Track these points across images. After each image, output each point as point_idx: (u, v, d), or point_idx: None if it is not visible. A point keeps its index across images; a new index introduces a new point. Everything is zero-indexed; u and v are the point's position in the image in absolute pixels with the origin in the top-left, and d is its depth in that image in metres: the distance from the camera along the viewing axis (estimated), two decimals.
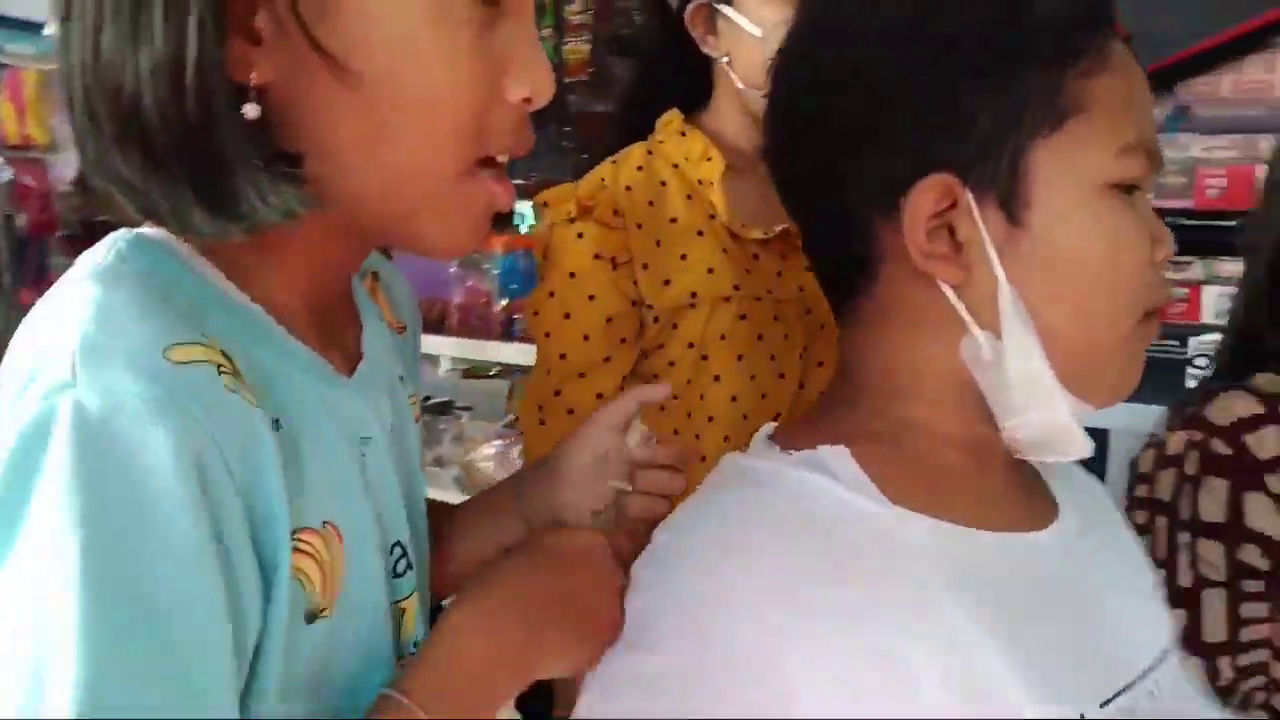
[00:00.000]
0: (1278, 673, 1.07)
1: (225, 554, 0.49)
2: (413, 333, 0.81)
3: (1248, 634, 1.06)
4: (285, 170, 0.53)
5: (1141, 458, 1.17)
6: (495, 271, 2.25)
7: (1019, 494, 0.71)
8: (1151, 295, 0.66)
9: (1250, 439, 1.07)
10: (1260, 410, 1.08)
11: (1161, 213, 0.68)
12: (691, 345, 1.22)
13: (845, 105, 0.66)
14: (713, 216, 1.25)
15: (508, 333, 2.20)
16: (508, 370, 2.51)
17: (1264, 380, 1.12)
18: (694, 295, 1.22)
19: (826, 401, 0.73)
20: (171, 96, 0.50)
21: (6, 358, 0.52)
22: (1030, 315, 0.63)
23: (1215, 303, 1.68)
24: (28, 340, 0.52)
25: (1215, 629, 1.07)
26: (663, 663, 0.60)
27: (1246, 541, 1.06)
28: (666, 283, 1.22)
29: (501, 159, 0.60)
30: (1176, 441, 1.12)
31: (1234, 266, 1.67)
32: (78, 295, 0.52)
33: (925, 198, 0.63)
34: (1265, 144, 1.65)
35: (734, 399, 1.28)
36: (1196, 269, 1.70)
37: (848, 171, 0.66)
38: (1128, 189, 0.64)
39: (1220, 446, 1.08)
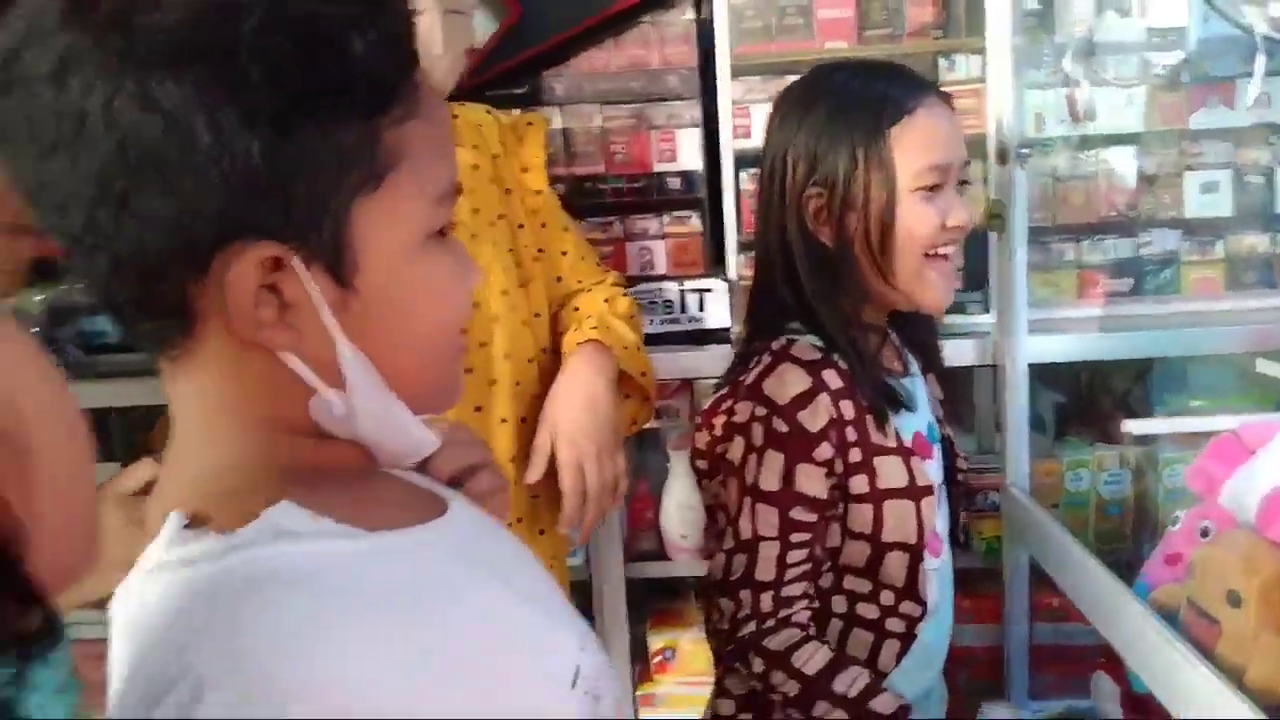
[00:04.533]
0: (808, 590, 1.26)
1: None
2: None
3: (791, 574, 1.23)
4: None
5: (715, 419, 1.29)
6: None
7: (408, 491, 0.72)
8: (466, 315, 0.69)
9: (804, 415, 1.21)
10: (809, 383, 1.22)
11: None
12: None
13: (128, 153, 0.54)
14: None
15: None
16: None
17: (802, 349, 1.26)
18: None
19: (192, 471, 0.63)
20: None
21: None
22: (376, 364, 0.62)
23: (638, 255, 1.86)
24: None
25: (766, 571, 1.23)
26: None
27: (796, 504, 1.22)
28: None
29: None
30: (743, 412, 1.24)
31: (646, 223, 1.87)
32: None
33: (249, 269, 0.56)
34: (651, 110, 1.85)
35: None
36: (616, 227, 1.86)
37: (142, 224, 0.56)
38: (440, 230, 0.64)
39: (780, 424, 1.21)
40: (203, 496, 0.60)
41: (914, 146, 1.23)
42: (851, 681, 1.20)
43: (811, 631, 1.24)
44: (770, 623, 1.23)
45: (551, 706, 0.64)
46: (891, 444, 1.26)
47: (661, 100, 1.86)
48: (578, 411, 1.39)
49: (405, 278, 0.61)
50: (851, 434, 1.24)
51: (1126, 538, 1.77)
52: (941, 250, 1.27)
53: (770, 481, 1.22)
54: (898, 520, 1.25)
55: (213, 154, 0.54)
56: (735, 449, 1.25)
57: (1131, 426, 1.55)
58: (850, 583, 1.28)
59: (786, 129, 1.28)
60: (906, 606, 1.28)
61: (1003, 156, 1.61)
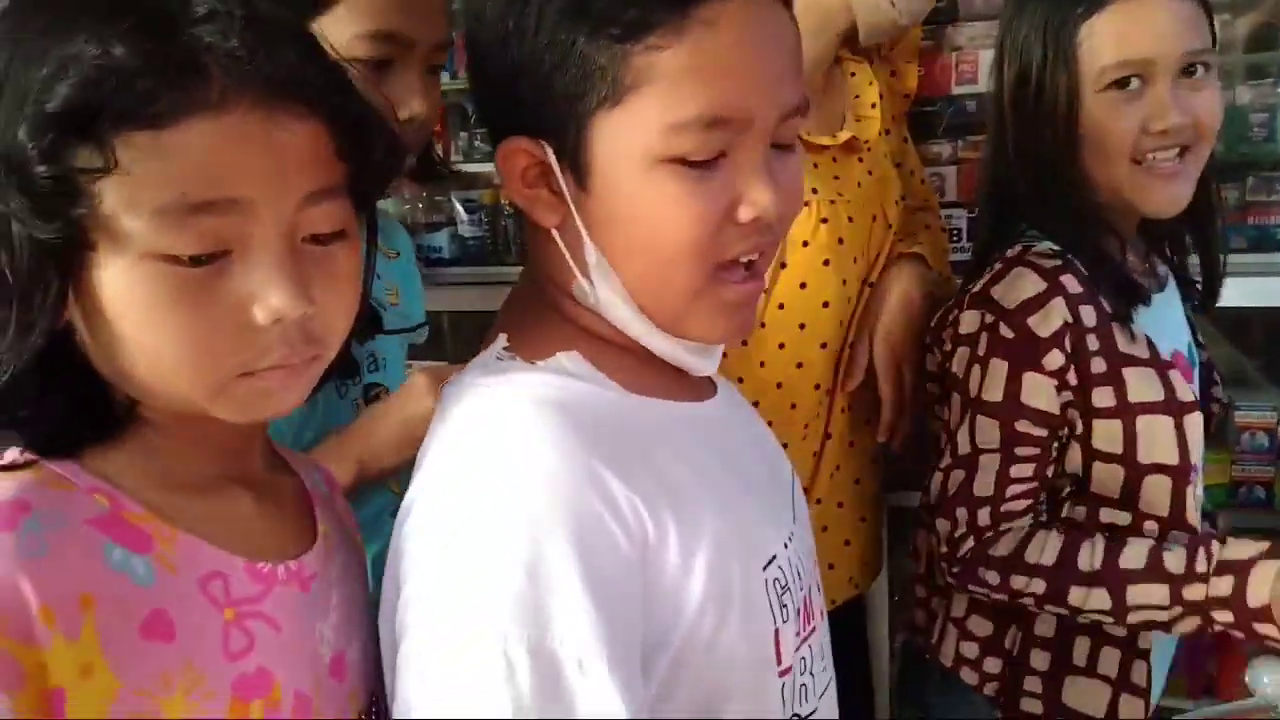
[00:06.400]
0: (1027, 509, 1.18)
1: None
2: None
3: (1013, 490, 1.16)
4: None
5: (945, 334, 1.22)
6: None
7: (675, 374, 0.80)
8: (726, 249, 0.70)
9: (1033, 320, 1.12)
10: (1044, 286, 1.13)
11: None
12: None
13: (486, 54, 0.72)
14: None
15: None
16: None
17: (1039, 252, 1.17)
18: None
19: (526, 308, 0.79)
20: None
21: None
22: (614, 267, 0.72)
23: (928, 181, 1.83)
24: None
25: (984, 486, 1.16)
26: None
27: (1020, 418, 1.14)
28: None
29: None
30: (970, 321, 1.17)
31: (940, 148, 1.82)
32: None
33: (516, 154, 0.71)
34: (953, 31, 1.80)
35: (825, 305, 1.31)
36: None
37: (489, 108, 0.75)
38: (689, 161, 0.67)
39: (1006, 330, 1.13)
40: (521, 330, 0.76)
41: (1106, 41, 1.10)
42: (1093, 552, 1.11)
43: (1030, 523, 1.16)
44: (990, 534, 1.15)
45: (743, 572, 0.72)
46: (1144, 354, 1.14)
47: (965, 21, 1.80)
48: (896, 316, 1.38)
49: (629, 193, 0.68)
50: (1094, 342, 1.12)
51: None
52: (1148, 156, 1.13)
53: (993, 392, 1.14)
54: (1154, 438, 1.12)
55: (500, 52, 0.69)
56: (959, 360, 1.18)
57: None
58: (1108, 515, 1.17)
59: (1007, 11, 1.21)
60: (1175, 537, 1.15)
61: None
